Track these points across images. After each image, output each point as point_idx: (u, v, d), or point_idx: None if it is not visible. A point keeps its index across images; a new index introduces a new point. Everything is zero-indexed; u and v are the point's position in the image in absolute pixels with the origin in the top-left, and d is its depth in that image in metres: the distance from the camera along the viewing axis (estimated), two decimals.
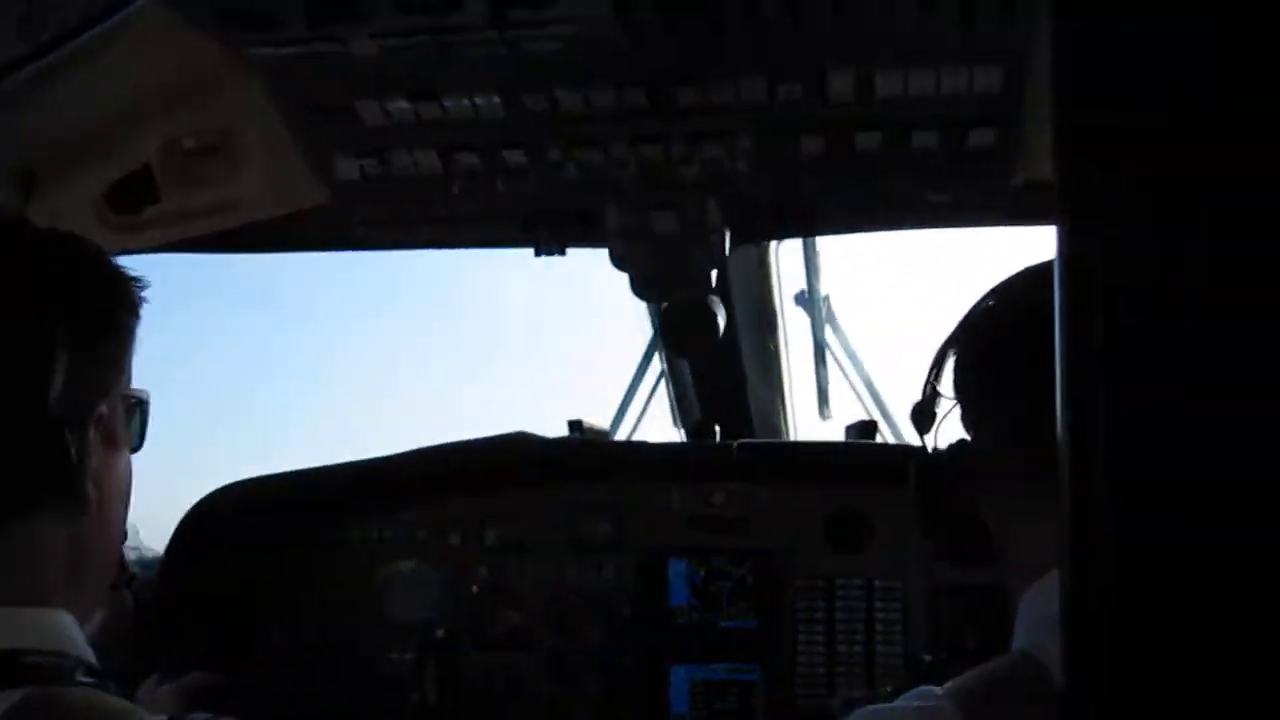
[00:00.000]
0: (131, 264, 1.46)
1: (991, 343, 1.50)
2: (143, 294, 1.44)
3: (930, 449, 1.60)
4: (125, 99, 1.85)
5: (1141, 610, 0.69)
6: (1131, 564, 0.70)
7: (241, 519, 2.89)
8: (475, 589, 2.89)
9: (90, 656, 1.34)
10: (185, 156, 1.95)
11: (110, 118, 1.88)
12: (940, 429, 1.61)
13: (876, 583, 2.80)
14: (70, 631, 1.33)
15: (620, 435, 3.57)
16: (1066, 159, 0.73)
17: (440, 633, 2.81)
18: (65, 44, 1.74)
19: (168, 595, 2.80)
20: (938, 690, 1.40)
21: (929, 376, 1.59)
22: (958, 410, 1.57)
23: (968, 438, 1.56)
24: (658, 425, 3.63)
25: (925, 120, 1.83)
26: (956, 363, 1.55)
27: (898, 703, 1.43)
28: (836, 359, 3.57)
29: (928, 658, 2.72)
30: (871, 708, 1.45)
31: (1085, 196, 0.72)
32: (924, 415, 1.61)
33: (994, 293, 1.53)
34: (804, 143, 1.88)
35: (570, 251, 2.29)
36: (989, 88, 1.74)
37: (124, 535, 1.50)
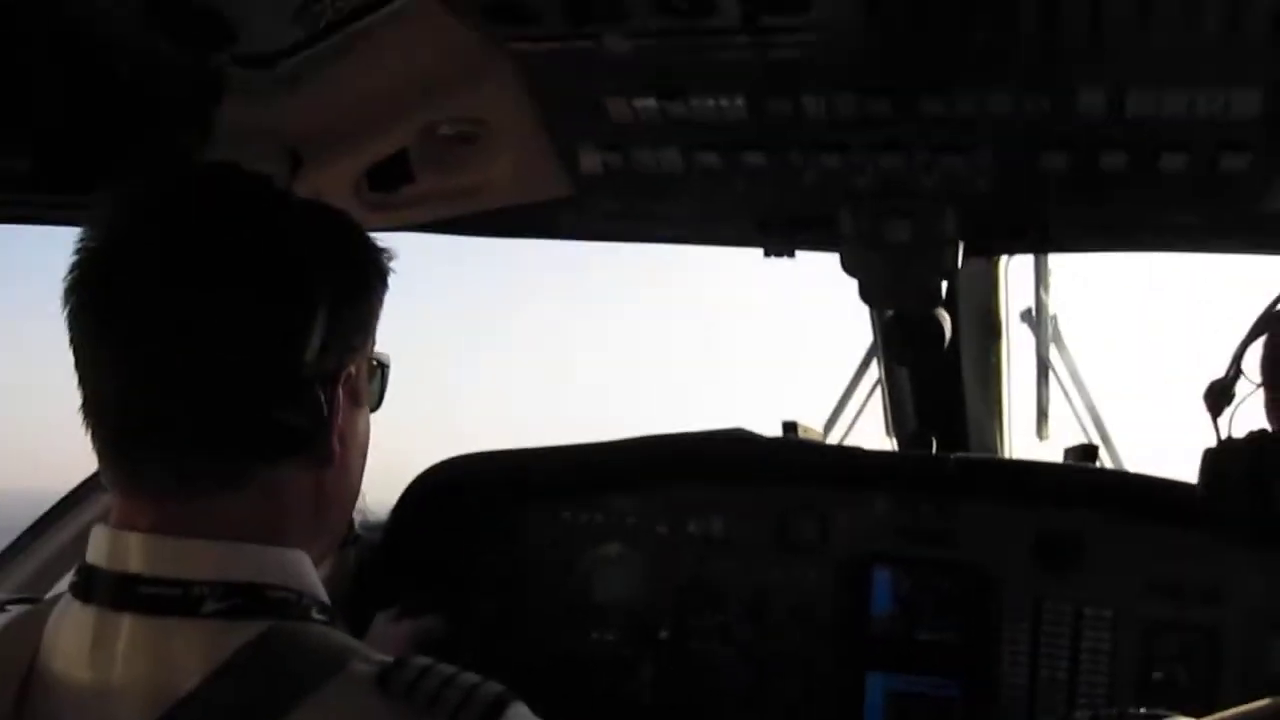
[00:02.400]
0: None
1: None
2: (390, 264, 1.53)
3: (1224, 435, 1.46)
4: (390, 85, 1.95)
5: None
6: None
7: (463, 492, 3.00)
8: (679, 579, 2.94)
9: (324, 596, 1.43)
10: (441, 142, 2.05)
11: (375, 103, 1.98)
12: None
13: (1086, 610, 2.73)
14: (308, 571, 1.43)
15: (833, 438, 3.57)
16: None
17: (664, 634, 2.87)
18: (338, 31, 1.85)
19: (388, 559, 2.94)
20: None
21: (1236, 354, 1.46)
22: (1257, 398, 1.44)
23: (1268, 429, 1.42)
24: (871, 431, 3.62)
25: (1176, 142, 1.78)
26: (1270, 341, 1.41)
27: None
28: (1059, 379, 3.50)
29: (1158, 675, 2.65)
30: None
31: None
32: (1222, 395, 1.47)
33: None
34: (1046, 158, 1.86)
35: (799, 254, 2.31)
36: (1247, 111, 1.69)
37: (359, 490, 1.59)
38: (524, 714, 1.35)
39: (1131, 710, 1.39)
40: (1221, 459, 1.44)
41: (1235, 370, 1.45)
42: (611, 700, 2.67)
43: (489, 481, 3.02)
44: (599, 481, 2.98)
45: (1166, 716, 1.36)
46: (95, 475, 2.66)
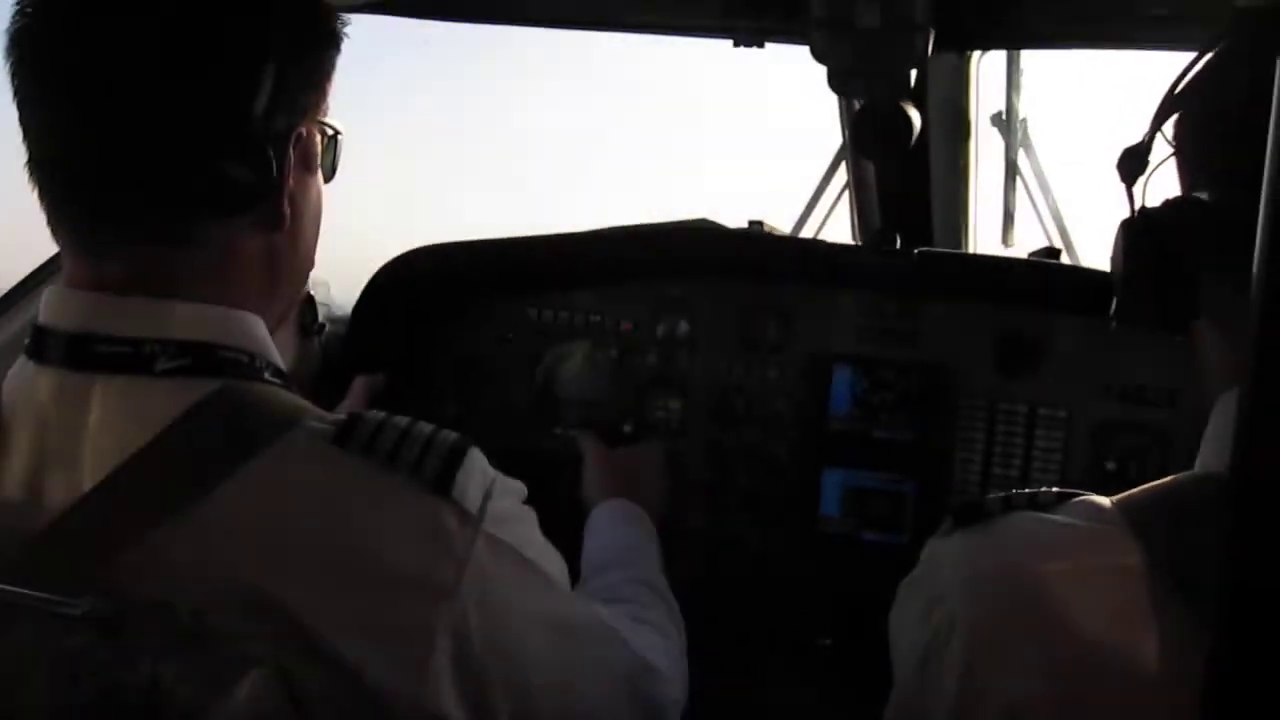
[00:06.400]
0: None
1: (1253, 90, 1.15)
2: (344, 30, 1.50)
3: (1139, 203, 1.38)
4: None
5: None
6: None
7: (426, 284, 3.00)
8: (642, 376, 2.98)
9: (278, 360, 1.45)
10: None
11: None
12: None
13: (1040, 410, 2.79)
14: (262, 334, 1.45)
15: None
16: None
17: (628, 428, 2.92)
18: None
19: (352, 350, 2.95)
20: (1106, 504, 1.33)
21: (1154, 121, 1.37)
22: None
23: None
24: (838, 237, 3.62)
25: None
26: (1193, 105, 1.33)
27: (1063, 517, 1.33)
28: (1026, 184, 3.49)
29: (1109, 467, 2.71)
30: (1033, 516, 1.35)
31: None
32: (1136, 160, 1.38)
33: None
34: None
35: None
36: None
37: (312, 260, 1.58)
38: (480, 459, 1.39)
39: (1045, 489, 1.39)
40: (1137, 229, 1.38)
41: (1152, 134, 1.38)
42: (574, 495, 2.71)
43: (453, 274, 3.02)
44: (564, 276, 2.99)
45: (1079, 494, 1.37)
46: (47, 264, 2.65)
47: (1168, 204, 1.37)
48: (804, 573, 2.89)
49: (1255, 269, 0.75)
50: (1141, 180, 1.39)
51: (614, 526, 2.28)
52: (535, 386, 3.02)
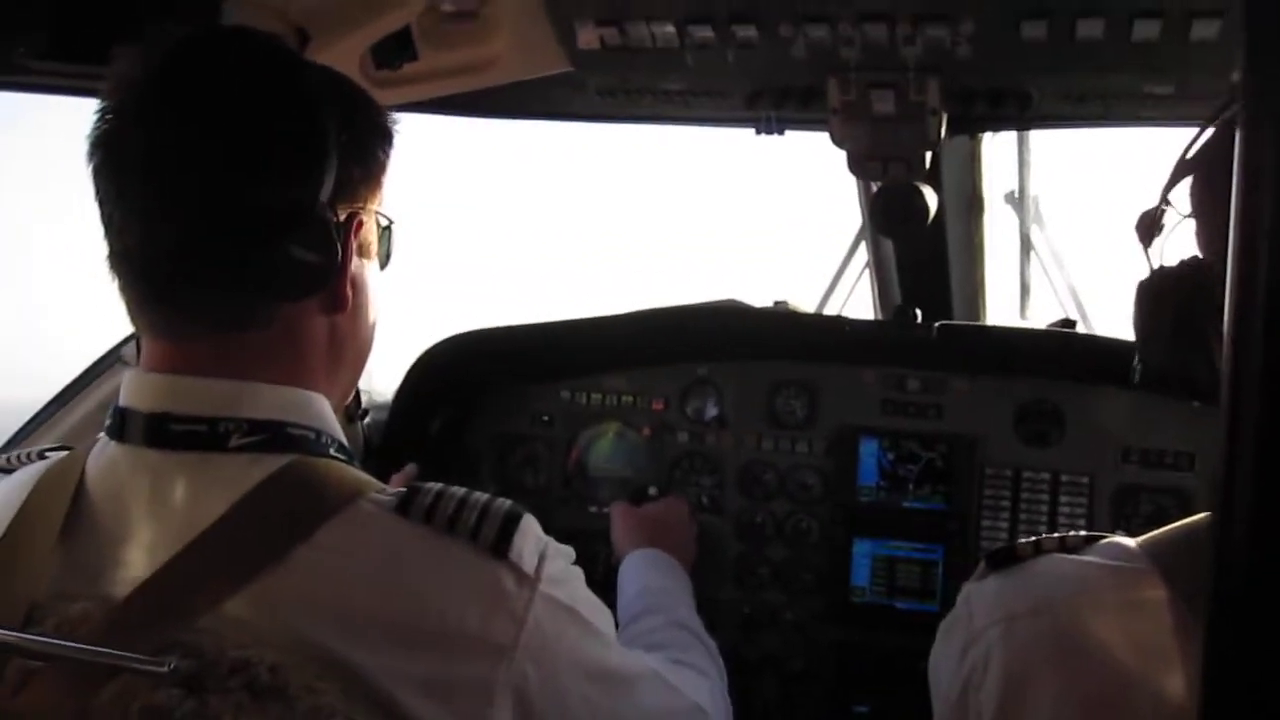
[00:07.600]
0: None
1: None
2: (395, 128, 1.61)
3: (1156, 265, 1.42)
4: None
5: None
6: None
7: (464, 369, 3.10)
8: (673, 455, 3.08)
9: (343, 437, 1.53)
10: (444, 19, 2.12)
11: None
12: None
13: (1063, 477, 2.86)
14: (328, 412, 1.53)
15: None
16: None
17: (653, 490, 3.00)
18: None
19: (394, 433, 3.04)
20: (1131, 544, 1.37)
21: (1167, 184, 1.41)
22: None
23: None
24: (860, 314, 3.71)
25: (1149, 9, 1.85)
26: (1203, 171, 1.37)
27: (1091, 558, 1.39)
28: (1041, 259, 3.60)
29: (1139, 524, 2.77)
30: (1064, 558, 1.41)
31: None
32: (1151, 225, 1.42)
33: None
34: (1025, 28, 1.92)
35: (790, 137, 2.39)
36: None
37: (372, 342, 1.65)
38: (534, 524, 1.47)
39: (1073, 533, 1.46)
40: (1154, 288, 1.41)
41: (1164, 199, 1.42)
42: (609, 573, 2.78)
43: (490, 359, 3.12)
44: (596, 359, 3.09)
45: (1105, 536, 1.43)
46: (115, 347, 2.76)
47: (1182, 264, 1.41)
48: (838, 642, 2.95)
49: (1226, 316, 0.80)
50: (1159, 241, 1.44)
51: (645, 573, 2.35)
52: (570, 466, 3.11)
